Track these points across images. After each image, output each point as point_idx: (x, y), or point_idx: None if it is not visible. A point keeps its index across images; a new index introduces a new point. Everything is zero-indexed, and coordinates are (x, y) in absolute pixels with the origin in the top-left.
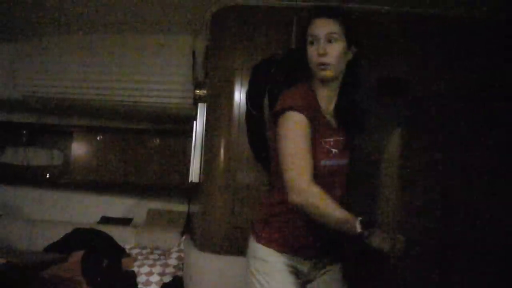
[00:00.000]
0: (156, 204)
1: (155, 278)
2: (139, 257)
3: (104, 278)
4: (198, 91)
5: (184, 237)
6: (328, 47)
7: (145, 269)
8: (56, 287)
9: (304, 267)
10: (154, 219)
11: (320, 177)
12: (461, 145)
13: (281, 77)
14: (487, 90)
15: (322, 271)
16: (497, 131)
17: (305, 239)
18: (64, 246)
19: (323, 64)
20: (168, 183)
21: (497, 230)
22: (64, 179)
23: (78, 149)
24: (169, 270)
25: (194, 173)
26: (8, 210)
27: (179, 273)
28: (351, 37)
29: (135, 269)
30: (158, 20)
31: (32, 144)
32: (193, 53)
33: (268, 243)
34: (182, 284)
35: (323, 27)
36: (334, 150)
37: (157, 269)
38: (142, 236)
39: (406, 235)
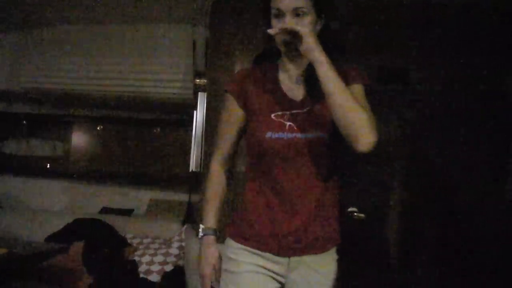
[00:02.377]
0: (157, 194)
1: (156, 267)
2: (140, 247)
3: (105, 268)
4: (198, 80)
5: (185, 226)
6: (296, 22)
7: (146, 258)
8: (57, 277)
9: (279, 266)
10: (155, 209)
11: (271, 152)
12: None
13: None
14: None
15: (303, 272)
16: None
17: (266, 228)
18: (65, 236)
19: (291, 42)
20: (169, 172)
21: (496, 226)
22: (65, 169)
23: (79, 139)
24: (170, 259)
25: (195, 162)
26: (9, 201)
27: (180, 262)
28: (321, 7)
29: (136, 258)
30: (158, 11)
31: (33, 135)
32: (193, 42)
33: (234, 236)
34: (183, 273)
35: (285, 2)
36: (288, 123)
37: (158, 258)
38: (143, 226)
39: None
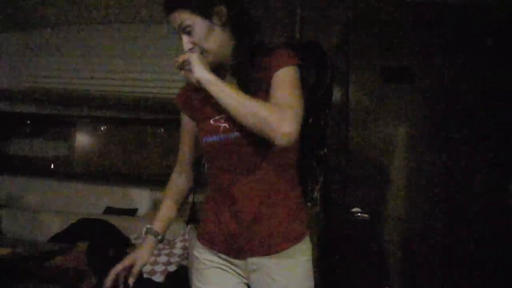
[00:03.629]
0: (160, 194)
1: (160, 267)
2: None
3: (109, 268)
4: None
5: (189, 227)
6: (190, 38)
7: (150, 258)
8: (61, 277)
9: (238, 268)
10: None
11: (211, 156)
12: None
13: None
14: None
15: (263, 274)
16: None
17: (215, 230)
18: (69, 236)
19: None
20: (172, 172)
21: (501, 228)
22: (68, 169)
23: (82, 139)
24: (174, 259)
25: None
26: (12, 201)
27: (184, 263)
28: (205, 10)
29: None
30: (161, 11)
31: (36, 135)
32: None
33: (198, 236)
34: (187, 273)
35: (174, 22)
36: (223, 125)
37: (162, 258)
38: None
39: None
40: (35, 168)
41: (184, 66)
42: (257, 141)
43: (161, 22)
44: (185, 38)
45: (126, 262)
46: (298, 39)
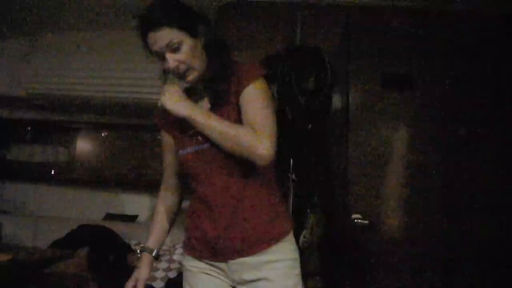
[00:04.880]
0: None
1: (160, 273)
2: None
3: (110, 274)
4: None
5: None
6: (176, 56)
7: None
8: (62, 283)
9: (222, 272)
10: None
11: (187, 167)
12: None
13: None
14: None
15: (245, 275)
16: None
17: (196, 236)
18: (69, 242)
19: (183, 74)
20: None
21: (500, 229)
22: (69, 175)
23: (83, 145)
24: (174, 265)
25: None
26: (13, 207)
27: None
28: (191, 28)
29: None
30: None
31: (37, 141)
32: None
33: (184, 247)
34: None
35: (157, 43)
36: (197, 137)
37: (163, 264)
38: (147, 232)
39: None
40: (35, 174)
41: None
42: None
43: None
44: (170, 56)
45: (130, 283)
46: (298, 45)
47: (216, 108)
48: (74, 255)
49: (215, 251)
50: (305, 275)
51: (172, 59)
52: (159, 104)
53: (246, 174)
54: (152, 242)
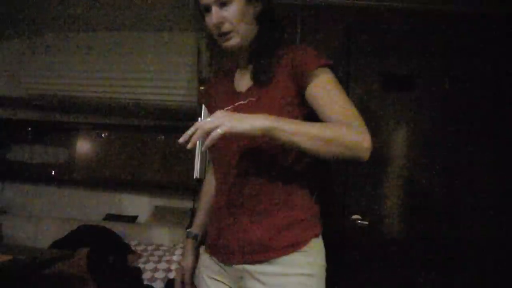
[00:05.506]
0: (161, 201)
1: (160, 274)
2: (144, 254)
3: (110, 275)
4: (202, 87)
5: None
6: (222, 12)
7: (151, 265)
8: (62, 284)
9: (227, 275)
10: (160, 216)
11: (211, 152)
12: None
13: None
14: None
15: (249, 283)
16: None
17: (217, 235)
18: (69, 243)
19: (223, 34)
20: (173, 180)
21: (499, 230)
22: (69, 176)
23: (83, 146)
24: (175, 266)
25: (199, 169)
26: (13, 207)
27: None
28: None
29: (141, 265)
30: (162, 18)
31: (37, 141)
32: (198, 49)
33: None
34: None
35: None
36: None
37: (163, 265)
38: (147, 233)
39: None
40: (35, 175)
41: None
42: (257, 138)
43: (163, 30)
44: (215, 10)
45: (179, 277)
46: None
47: (259, 86)
48: (74, 255)
49: (223, 251)
50: None
51: (217, 14)
52: (221, 132)
53: (275, 172)
54: (195, 226)
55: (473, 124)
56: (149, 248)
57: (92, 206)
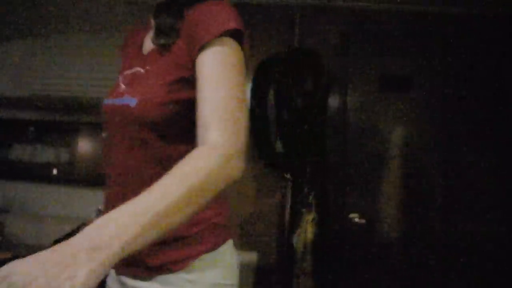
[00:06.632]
0: None
1: None
2: None
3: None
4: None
5: None
6: None
7: None
8: None
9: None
10: None
11: (106, 126)
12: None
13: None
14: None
15: None
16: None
17: None
18: None
19: None
20: None
21: (498, 230)
22: (70, 175)
23: (85, 145)
24: None
25: None
26: (15, 206)
27: None
28: None
29: None
30: None
31: (39, 141)
32: None
33: None
34: None
35: None
36: (122, 86)
37: None
38: None
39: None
40: (37, 174)
41: None
42: (137, 115)
43: None
44: None
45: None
46: (296, 47)
47: (158, 51)
48: None
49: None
50: (300, 274)
51: None
52: None
53: (154, 160)
54: None
55: (472, 124)
56: None
57: (93, 205)
